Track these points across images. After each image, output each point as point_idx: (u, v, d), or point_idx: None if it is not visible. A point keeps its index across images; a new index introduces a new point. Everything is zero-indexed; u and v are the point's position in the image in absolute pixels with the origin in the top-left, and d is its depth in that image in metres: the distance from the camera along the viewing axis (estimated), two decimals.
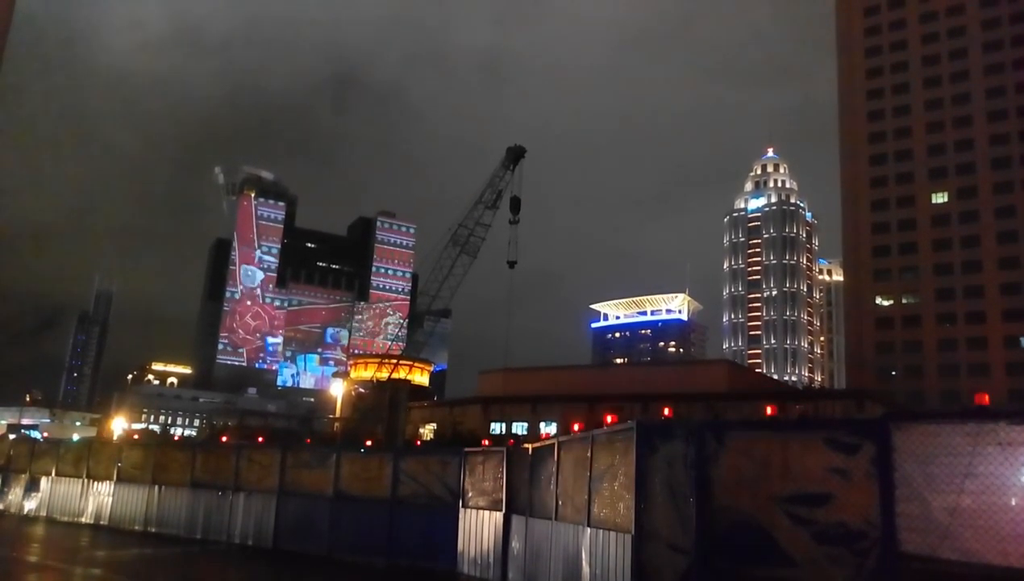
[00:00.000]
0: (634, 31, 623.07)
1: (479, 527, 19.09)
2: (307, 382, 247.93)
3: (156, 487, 27.42)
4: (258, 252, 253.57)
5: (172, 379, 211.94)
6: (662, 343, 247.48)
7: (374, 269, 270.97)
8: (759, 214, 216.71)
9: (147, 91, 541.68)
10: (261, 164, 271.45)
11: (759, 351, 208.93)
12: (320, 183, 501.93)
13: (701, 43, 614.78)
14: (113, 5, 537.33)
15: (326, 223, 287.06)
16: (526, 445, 17.84)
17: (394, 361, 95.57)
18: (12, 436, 50.55)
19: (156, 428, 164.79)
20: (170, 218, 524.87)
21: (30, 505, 31.96)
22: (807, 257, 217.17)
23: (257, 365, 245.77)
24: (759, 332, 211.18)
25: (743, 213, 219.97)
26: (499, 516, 18.26)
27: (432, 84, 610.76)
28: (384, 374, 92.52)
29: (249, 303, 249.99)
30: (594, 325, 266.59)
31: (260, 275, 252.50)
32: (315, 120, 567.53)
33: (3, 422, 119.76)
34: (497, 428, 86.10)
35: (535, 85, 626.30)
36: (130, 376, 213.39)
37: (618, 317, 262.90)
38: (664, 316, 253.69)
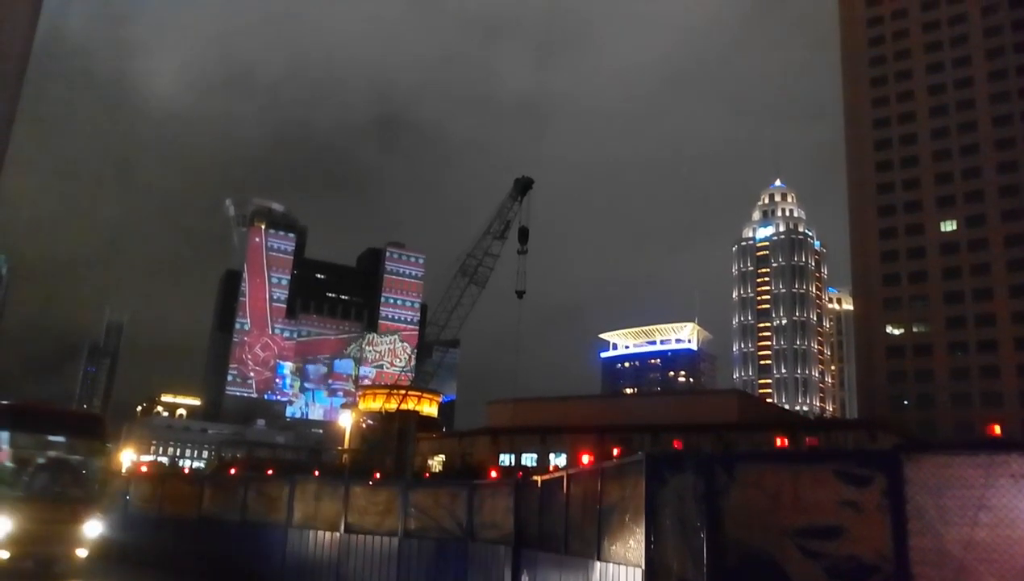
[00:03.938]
0: (663, 74, 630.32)
1: (489, 561, 18.91)
2: (316, 413, 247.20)
3: (164, 519, 27.30)
4: (268, 283, 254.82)
5: (181, 411, 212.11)
6: (672, 373, 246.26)
7: (383, 299, 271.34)
8: (767, 243, 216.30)
9: (191, 130, 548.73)
10: (289, 198, 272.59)
11: (769, 380, 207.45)
12: (353, 219, 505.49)
13: (722, 81, 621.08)
14: (165, 48, 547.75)
15: (346, 255, 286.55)
16: (535, 477, 17.74)
17: (403, 392, 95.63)
18: None
19: (165, 460, 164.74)
20: (188, 252, 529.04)
21: None
22: (816, 286, 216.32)
23: (267, 396, 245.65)
24: (769, 361, 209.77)
25: (751, 242, 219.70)
26: (509, 549, 18.10)
27: (472, 123, 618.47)
28: (393, 405, 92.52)
29: (258, 334, 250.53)
30: (603, 355, 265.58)
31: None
32: (355, 158, 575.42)
33: None
34: (506, 459, 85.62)
35: (570, 123, 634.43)
36: (139, 408, 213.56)
37: (627, 347, 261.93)
38: (674, 346, 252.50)
